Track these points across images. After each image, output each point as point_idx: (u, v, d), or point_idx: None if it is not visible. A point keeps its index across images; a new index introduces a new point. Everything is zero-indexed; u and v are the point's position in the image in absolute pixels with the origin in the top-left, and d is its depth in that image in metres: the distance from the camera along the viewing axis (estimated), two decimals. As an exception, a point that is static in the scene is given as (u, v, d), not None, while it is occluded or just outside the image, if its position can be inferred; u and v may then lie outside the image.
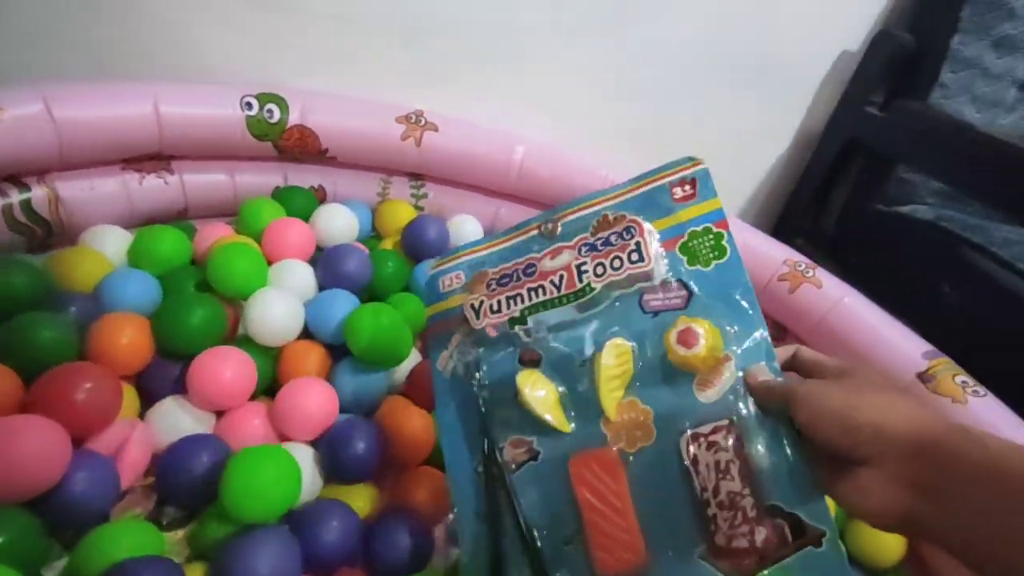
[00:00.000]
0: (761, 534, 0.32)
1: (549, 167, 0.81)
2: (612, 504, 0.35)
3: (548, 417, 0.38)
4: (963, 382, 0.66)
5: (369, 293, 0.70)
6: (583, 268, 0.40)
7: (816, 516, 0.32)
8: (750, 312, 0.37)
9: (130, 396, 0.53)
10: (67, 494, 0.42)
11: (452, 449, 0.42)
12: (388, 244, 0.77)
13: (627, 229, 0.40)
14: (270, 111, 0.72)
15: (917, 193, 1.05)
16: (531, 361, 0.40)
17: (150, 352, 0.54)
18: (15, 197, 0.61)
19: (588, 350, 0.39)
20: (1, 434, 0.38)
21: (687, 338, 0.36)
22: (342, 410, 0.56)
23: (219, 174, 0.75)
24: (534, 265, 0.42)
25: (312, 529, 0.48)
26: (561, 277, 0.40)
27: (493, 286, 0.42)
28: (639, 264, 0.39)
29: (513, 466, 0.39)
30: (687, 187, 0.41)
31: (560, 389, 0.39)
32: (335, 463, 0.52)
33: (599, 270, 0.40)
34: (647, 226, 0.40)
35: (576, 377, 0.39)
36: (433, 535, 0.51)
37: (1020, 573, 0.25)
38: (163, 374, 0.55)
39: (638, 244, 0.40)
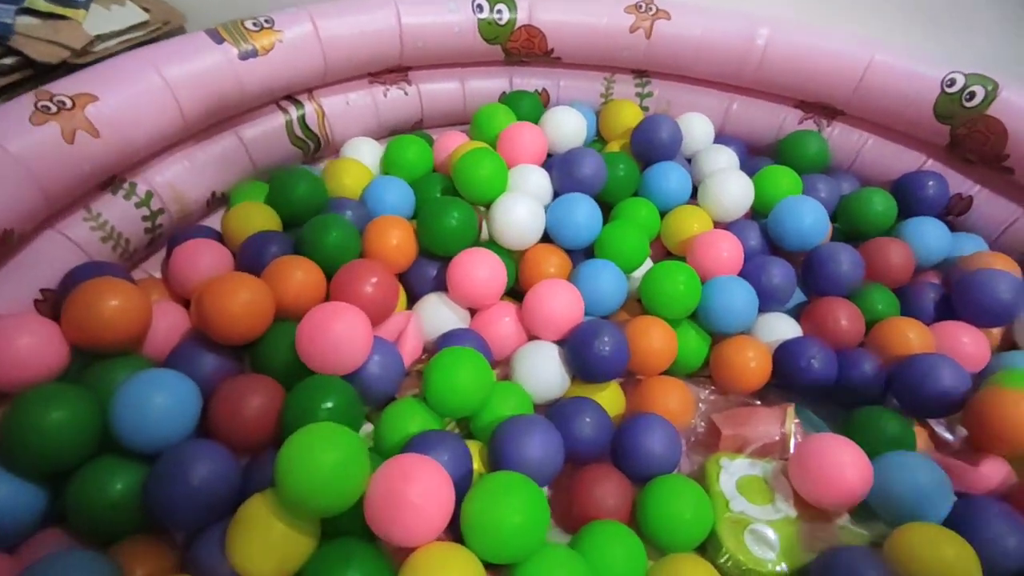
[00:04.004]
0: None
1: (799, 52, 0.70)
2: None
3: None
4: None
5: (599, 198, 0.68)
6: None
7: None
8: None
9: (400, 292, 0.59)
10: (367, 375, 0.49)
11: None
12: (615, 147, 0.74)
13: None
14: (499, 11, 0.71)
15: None
16: None
17: (414, 252, 0.59)
18: (293, 114, 0.68)
19: None
20: (329, 315, 0.44)
21: None
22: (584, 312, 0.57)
23: (451, 82, 0.77)
24: None
25: (568, 422, 0.50)
26: None
27: None
28: None
29: None
30: None
31: None
32: (582, 362, 0.54)
33: None
34: None
35: None
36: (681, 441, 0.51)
37: None
38: (424, 273, 0.60)
39: None
